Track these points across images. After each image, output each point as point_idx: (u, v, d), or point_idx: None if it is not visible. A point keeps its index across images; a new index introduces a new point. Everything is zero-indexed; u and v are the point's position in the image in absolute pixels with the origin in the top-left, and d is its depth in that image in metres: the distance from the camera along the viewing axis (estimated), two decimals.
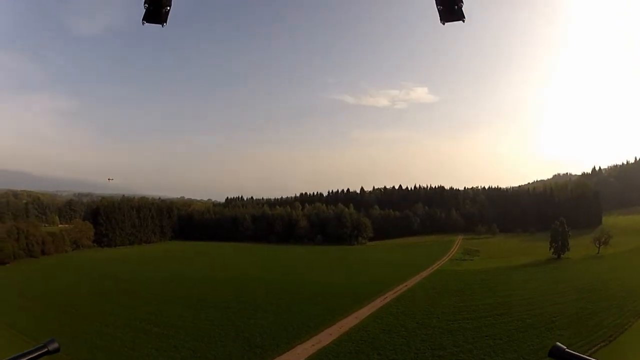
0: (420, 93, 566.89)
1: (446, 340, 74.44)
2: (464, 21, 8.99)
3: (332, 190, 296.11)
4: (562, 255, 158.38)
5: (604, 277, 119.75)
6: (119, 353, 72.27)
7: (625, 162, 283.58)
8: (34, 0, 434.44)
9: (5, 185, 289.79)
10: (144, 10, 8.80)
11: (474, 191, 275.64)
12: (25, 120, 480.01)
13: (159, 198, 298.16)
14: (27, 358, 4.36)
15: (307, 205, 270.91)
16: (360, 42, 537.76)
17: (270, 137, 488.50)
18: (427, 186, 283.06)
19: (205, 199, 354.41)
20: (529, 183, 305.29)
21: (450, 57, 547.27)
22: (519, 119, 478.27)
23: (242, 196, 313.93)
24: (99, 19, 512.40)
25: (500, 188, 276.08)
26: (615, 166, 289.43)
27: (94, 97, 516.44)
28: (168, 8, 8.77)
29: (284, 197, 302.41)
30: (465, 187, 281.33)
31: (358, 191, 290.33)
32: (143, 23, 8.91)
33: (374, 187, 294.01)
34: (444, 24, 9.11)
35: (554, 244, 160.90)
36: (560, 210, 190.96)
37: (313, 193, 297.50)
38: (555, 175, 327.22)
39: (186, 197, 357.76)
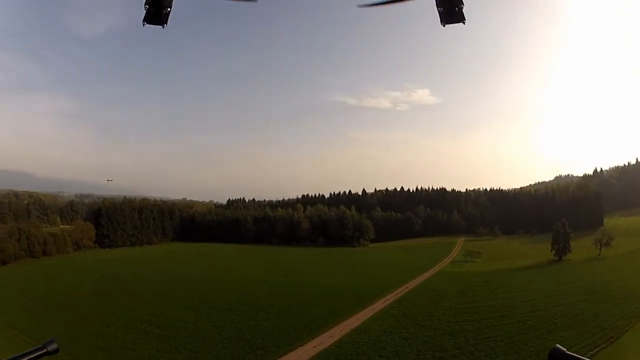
0: (422, 95, 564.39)
1: (447, 342, 74.59)
2: (464, 23, 9.05)
3: (334, 192, 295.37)
4: (563, 257, 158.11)
5: (605, 278, 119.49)
6: (119, 354, 72.49)
7: (626, 164, 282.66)
8: (35, 1, 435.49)
9: (7, 185, 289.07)
10: (144, 11, 8.86)
11: (476, 193, 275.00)
12: (26, 120, 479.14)
13: (161, 199, 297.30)
14: (26, 358, 4.41)
15: (308, 207, 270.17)
16: (361, 43, 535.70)
17: (272, 138, 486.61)
18: (429, 188, 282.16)
19: (207, 200, 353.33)
20: (530, 185, 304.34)
21: (452, 59, 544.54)
22: (520, 120, 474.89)
23: (243, 198, 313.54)
24: (100, 20, 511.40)
25: (501, 190, 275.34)
26: (617, 167, 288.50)
27: (95, 98, 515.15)
28: (168, 9, 8.81)
29: (285, 198, 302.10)
30: (467, 189, 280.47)
31: (360, 193, 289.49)
32: (143, 24, 8.96)
33: (375, 189, 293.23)
34: (444, 26, 9.15)
35: (555, 246, 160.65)
36: (561, 211, 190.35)
37: (315, 195, 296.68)
38: (556, 176, 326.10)
39: (188, 198, 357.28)
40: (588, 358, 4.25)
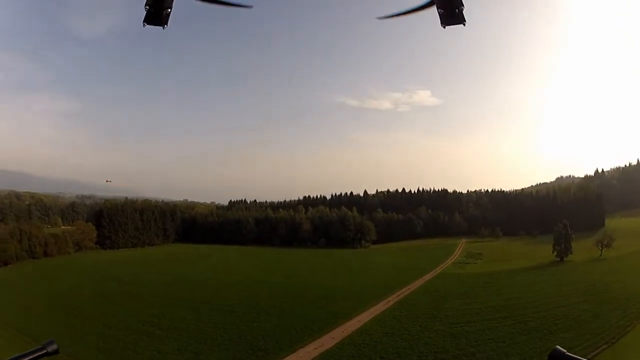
0: (423, 96, 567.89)
1: (449, 344, 74.65)
2: (464, 25, 9.11)
3: (336, 194, 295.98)
4: (564, 258, 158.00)
5: (606, 279, 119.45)
6: (121, 355, 72.75)
7: (627, 164, 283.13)
8: (35, 1, 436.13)
9: (8, 186, 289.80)
10: (145, 12, 8.94)
11: (477, 194, 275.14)
12: (27, 121, 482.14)
13: (162, 201, 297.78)
14: (26, 359, 4.41)
15: (310, 208, 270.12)
16: (362, 45, 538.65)
17: (273, 139, 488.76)
18: (431, 189, 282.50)
19: (209, 202, 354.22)
20: (531, 186, 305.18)
21: (453, 60, 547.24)
22: (522, 121, 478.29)
23: (245, 199, 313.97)
24: (100, 20, 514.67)
25: (503, 191, 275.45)
26: (618, 168, 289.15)
27: (95, 98, 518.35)
28: (169, 10, 8.84)
29: (287, 200, 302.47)
30: (468, 190, 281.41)
31: (361, 194, 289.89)
32: (144, 25, 9.01)
33: (377, 190, 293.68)
34: (444, 27, 9.21)
35: (557, 247, 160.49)
36: (563, 213, 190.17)
37: (316, 196, 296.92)
38: (558, 177, 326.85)
39: (189, 200, 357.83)
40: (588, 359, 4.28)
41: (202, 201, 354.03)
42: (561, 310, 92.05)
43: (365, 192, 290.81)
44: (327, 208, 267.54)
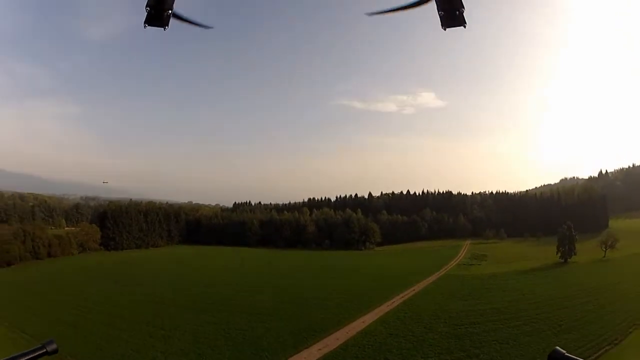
0: (428, 98, 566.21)
1: (453, 345, 74.92)
2: (465, 27, 9.60)
3: (340, 196, 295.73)
4: (568, 260, 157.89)
5: (610, 280, 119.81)
6: (124, 355, 72.89)
7: (631, 165, 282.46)
8: (43, 7, 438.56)
9: (12, 187, 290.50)
10: (146, 13, 9.45)
11: (482, 196, 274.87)
12: (33, 123, 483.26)
13: (167, 202, 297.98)
14: (25, 359, 4.57)
15: (315, 210, 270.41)
16: (366, 47, 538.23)
17: (278, 141, 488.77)
18: (435, 191, 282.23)
19: (213, 203, 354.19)
20: (536, 187, 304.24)
21: (456, 62, 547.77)
22: (525, 123, 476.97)
23: (250, 201, 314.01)
24: (107, 25, 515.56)
25: (507, 193, 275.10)
26: (622, 169, 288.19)
27: (101, 102, 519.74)
28: (170, 11, 9.36)
29: (291, 202, 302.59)
30: (472, 192, 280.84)
31: (366, 196, 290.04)
32: (145, 26, 9.53)
33: (381, 193, 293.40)
34: (445, 29, 9.70)
35: (560, 248, 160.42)
36: (567, 214, 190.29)
37: (321, 198, 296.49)
38: (562, 179, 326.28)
39: (194, 201, 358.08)
40: None
41: (206, 203, 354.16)
42: (565, 311, 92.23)
43: (369, 194, 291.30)
44: (332, 210, 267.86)
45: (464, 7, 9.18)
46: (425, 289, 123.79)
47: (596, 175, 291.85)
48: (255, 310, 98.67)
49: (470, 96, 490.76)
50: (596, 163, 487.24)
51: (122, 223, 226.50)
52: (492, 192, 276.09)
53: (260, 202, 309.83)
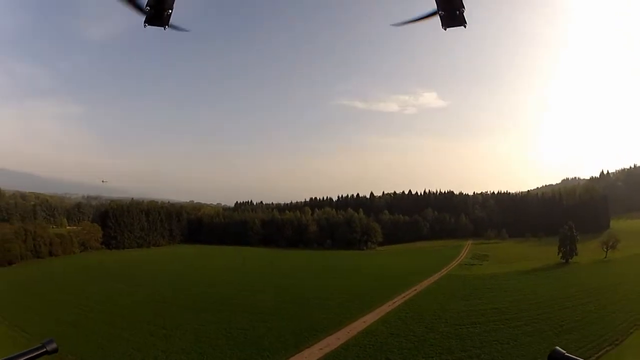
0: (430, 98, 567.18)
1: (454, 345, 74.94)
2: (465, 27, 9.66)
3: (342, 195, 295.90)
4: (570, 260, 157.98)
5: (611, 281, 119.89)
6: (125, 354, 72.94)
7: (632, 166, 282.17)
8: (43, 7, 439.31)
9: (14, 187, 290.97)
10: (146, 12, 9.53)
11: (483, 196, 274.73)
12: (33, 123, 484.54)
13: (168, 202, 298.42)
14: (25, 358, 4.55)
15: (316, 210, 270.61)
16: (368, 47, 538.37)
17: (280, 141, 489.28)
18: (437, 191, 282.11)
19: (215, 203, 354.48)
20: (537, 188, 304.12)
21: (458, 62, 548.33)
22: (527, 123, 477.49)
23: (251, 200, 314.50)
24: (108, 25, 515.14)
25: (509, 193, 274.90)
26: (623, 170, 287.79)
27: (102, 101, 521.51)
28: (170, 11, 9.42)
29: (293, 201, 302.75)
30: (474, 192, 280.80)
31: (368, 196, 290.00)
32: (145, 26, 9.61)
33: (383, 192, 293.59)
34: (445, 29, 9.76)
35: (562, 249, 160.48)
36: (568, 214, 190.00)
37: (323, 198, 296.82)
38: (563, 179, 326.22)
39: (195, 201, 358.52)
40: None
41: (208, 202, 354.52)
42: (566, 311, 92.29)
43: (371, 193, 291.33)
44: (334, 210, 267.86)
45: (464, 7, 9.25)
46: (426, 288, 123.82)
47: (597, 175, 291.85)
48: (256, 310, 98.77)
49: (470, 96, 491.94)
50: (597, 163, 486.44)
51: (123, 222, 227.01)
52: (493, 192, 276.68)
53: (262, 202, 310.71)
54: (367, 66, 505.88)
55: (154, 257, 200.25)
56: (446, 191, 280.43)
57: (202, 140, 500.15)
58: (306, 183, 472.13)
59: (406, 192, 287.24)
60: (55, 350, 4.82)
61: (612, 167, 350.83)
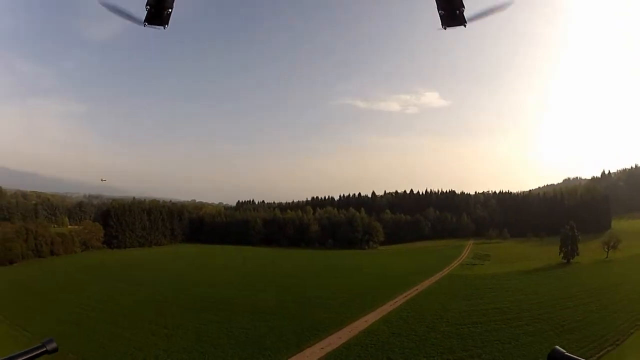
0: (431, 97, 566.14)
1: (456, 345, 74.79)
2: (465, 26, 9.66)
3: (344, 195, 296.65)
4: (571, 260, 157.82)
5: (612, 281, 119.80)
6: (126, 353, 72.83)
7: (634, 166, 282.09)
8: (45, 6, 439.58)
9: (15, 186, 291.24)
10: (146, 12, 9.55)
11: (485, 196, 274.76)
12: (35, 122, 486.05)
13: (170, 201, 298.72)
14: (24, 357, 4.51)
15: (318, 209, 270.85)
16: (369, 46, 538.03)
17: (281, 140, 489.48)
18: (438, 191, 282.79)
19: (217, 202, 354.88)
20: (539, 187, 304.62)
21: (459, 61, 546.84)
22: (529, 123, 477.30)
23: (253, 200, 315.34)
24: (110, 25, 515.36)
25: (510, 193, 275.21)
26: (624, 170, 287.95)
27: (104, 101, 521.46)
28: (170, 10, 9.44)
29: (295, 201, 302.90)
30: (476, 192, 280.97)
31: (369, 195, 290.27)
32: (145, 25, 9.63)
33: (385, 192, 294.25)
34: (445, 29, 9.77)
35: (563, 249, 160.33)
36: (570, 214, 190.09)
37: (324, 197, 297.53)
38: (565, 179, 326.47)
39: (197, 200, 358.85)
40: None
41: (210, 202, 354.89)
42: (567, 311, 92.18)
43: (373, 193, 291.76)
44: (335, 209, 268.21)
45: (464, 7, 9.29)
46: (428, 288, 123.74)
47: (599, 175, 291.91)
48: (258, 309, 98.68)
49: (470, 96, 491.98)
50: (599, 163, 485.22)
51: (125, 221, 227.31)
52: (495, 192, 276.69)
53: (263, 201, 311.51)
54: (367, 66, 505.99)
55: (156, 257, 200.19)
56: (448, 191, 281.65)
57: (203, 140, 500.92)
58: (306, 183, 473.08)
59: (408, 192, 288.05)
60: (55, 350, 4.82)
61: (614, 167, 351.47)
